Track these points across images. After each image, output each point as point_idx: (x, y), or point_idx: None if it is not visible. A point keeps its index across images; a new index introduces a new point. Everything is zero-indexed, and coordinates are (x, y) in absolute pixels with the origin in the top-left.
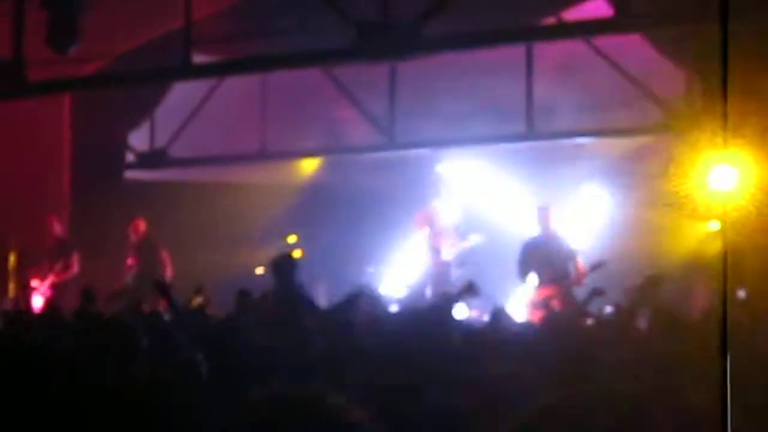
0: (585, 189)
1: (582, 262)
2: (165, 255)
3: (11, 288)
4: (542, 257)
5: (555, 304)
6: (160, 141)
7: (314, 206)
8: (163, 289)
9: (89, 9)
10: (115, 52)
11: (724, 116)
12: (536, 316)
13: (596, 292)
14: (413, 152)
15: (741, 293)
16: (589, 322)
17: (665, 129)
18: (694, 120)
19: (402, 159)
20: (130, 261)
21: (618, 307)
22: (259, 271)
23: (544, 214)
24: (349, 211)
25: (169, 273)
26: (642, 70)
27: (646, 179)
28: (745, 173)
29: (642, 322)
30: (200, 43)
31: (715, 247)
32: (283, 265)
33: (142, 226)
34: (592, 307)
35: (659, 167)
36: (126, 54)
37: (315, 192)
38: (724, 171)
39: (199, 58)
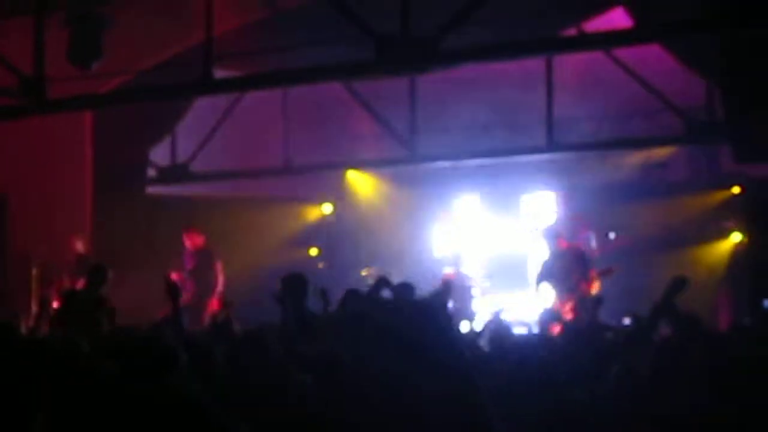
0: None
1: (595, 272)
2: (219, 266)
3: (33, 303)
4: (558, 271)
5: (567, 315)
6: (182, 156)
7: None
8: (173, 293)
9: (111, 25)
10: (137, 68)
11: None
12: (554, 329)
13: (598, 301)
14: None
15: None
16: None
17: (686, 139)
18: (715, 130)
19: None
20: (177, 274)
21: (637, 318)
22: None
23: (551, 233)
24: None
25: (221, 284)
26: (662, 81)
27: (668, 190)
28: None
29: (664, 331)
30: (221, 58)
31: (739, 260)
32: (293, 284)
33: (200, 237)
34: (604, 317)
35: (681, 178)
36: (147, 70)
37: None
38: (744, 182)
39: (220, 73)
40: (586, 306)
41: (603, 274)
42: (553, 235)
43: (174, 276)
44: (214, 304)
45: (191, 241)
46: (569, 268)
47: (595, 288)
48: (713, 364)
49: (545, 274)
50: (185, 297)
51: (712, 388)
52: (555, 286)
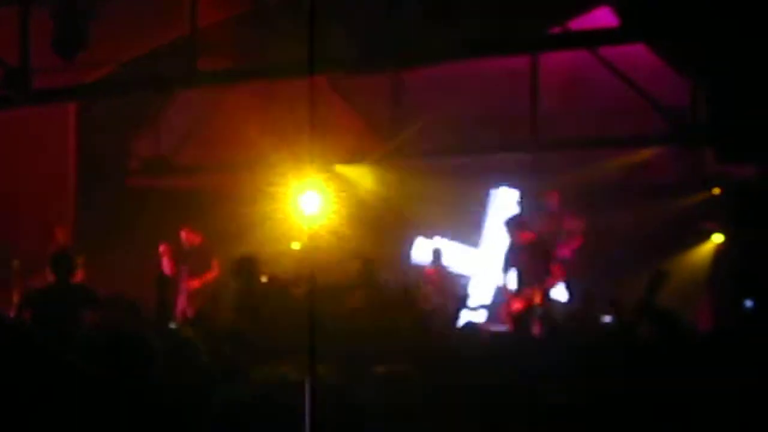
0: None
1: (560, 266)
2: (215, 262)
3: (15, 295)
4: (520, 263)
5: (534, 303)
6: (165, 148)
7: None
8: (161, 289)
9: (96, 16)
10: (121, 60)
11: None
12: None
13: (588, 295)
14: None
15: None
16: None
17: (670, 140)
18: (699, 131)
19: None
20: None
21: (618, 316)
22: (263, 279)
23: (513, 223)
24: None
25: (213, 274)
26: (647, 80)
27: (651, 191)
28: None
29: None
30: (206, 50)
31: (721, 261)
32: (243, 267)
33: (197, 234)
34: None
35: (665, 179)
36: (131, 61)
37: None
38: (727, 183)
39: (204, 66)
40: (550, 298)
41: (570, 271)
42: (514, 225)
43: (164, 248)
44: (194, 284)
45: (189, 238)
46: (531, 260)
47: (558, 283)
48: (692, 362)
49: (508, 266)
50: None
51: (693, 386)
52: (518, 278)
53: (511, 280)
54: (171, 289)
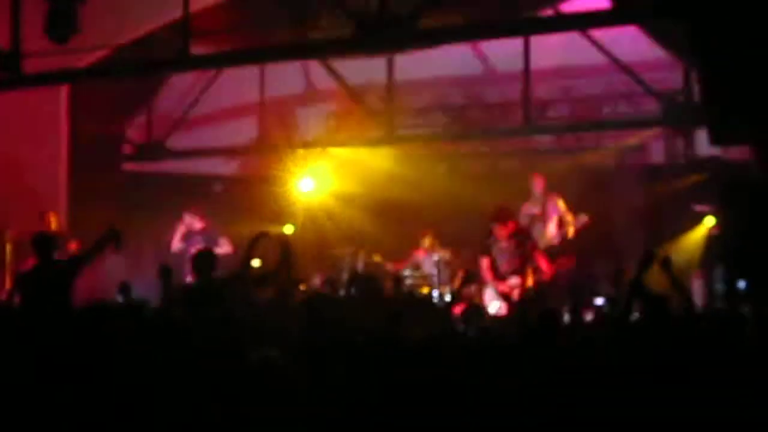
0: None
1: (550, 255)
2: (224, 240)
3: (7, 280)
4: (505, 252)
5: (515, 294)
6: (158, 133)
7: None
8: (165, 274)
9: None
10: (114, 44)
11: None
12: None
13: (621, 272)
14: None
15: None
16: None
17: (663, 122)
18: (691, 112)
19: None
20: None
21: (612, 300)
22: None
23: (503, 213)
24: None
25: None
26: (640, 63)
27: (644, 174)
28: None
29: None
30: (199, 34)
31: (714, 243)
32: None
33: (202, 217)
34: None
35: (658, 162)
36: (124, 45)
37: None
38: (719, 166)
39: (197, 50)
40: (543, 290)
41: (562, 260)
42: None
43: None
44: None
45: (192, 221)
46: (511, 248)
47: (548, 272)
48: (683, 345)
49: (487, 252)
50: None
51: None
52: (498, 265)
53: (487, 265)
54: (174, 278)
